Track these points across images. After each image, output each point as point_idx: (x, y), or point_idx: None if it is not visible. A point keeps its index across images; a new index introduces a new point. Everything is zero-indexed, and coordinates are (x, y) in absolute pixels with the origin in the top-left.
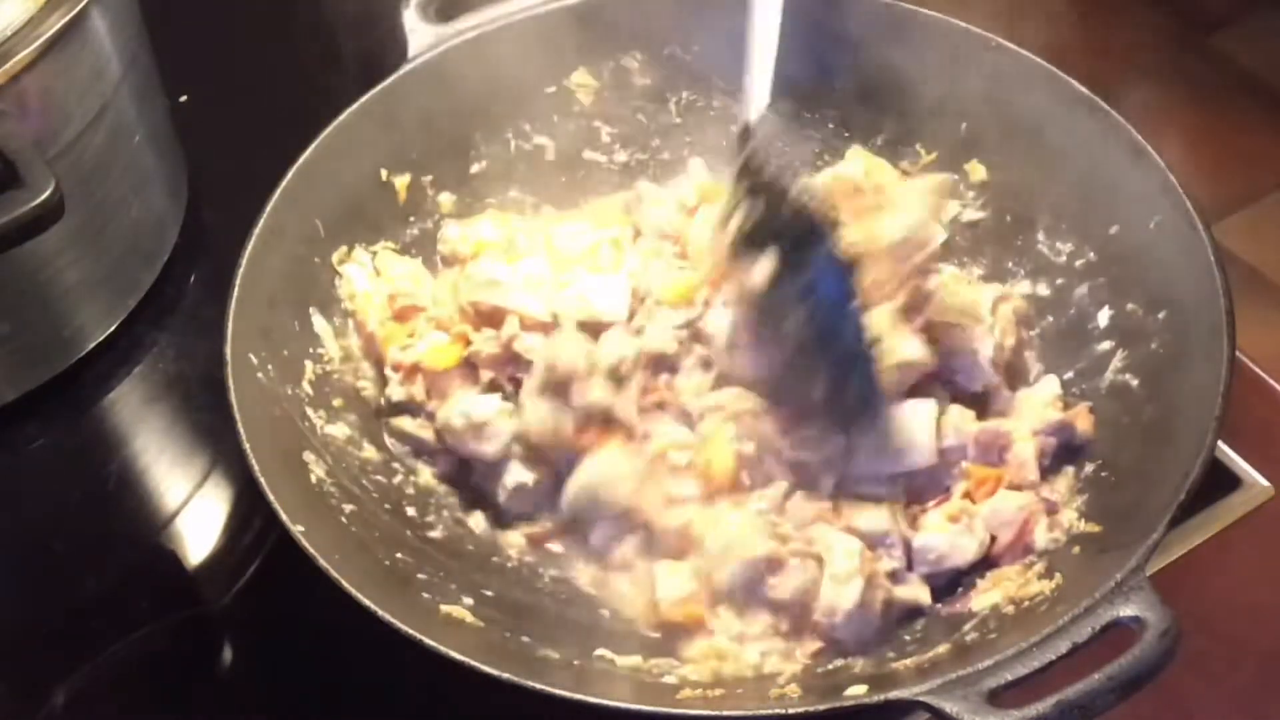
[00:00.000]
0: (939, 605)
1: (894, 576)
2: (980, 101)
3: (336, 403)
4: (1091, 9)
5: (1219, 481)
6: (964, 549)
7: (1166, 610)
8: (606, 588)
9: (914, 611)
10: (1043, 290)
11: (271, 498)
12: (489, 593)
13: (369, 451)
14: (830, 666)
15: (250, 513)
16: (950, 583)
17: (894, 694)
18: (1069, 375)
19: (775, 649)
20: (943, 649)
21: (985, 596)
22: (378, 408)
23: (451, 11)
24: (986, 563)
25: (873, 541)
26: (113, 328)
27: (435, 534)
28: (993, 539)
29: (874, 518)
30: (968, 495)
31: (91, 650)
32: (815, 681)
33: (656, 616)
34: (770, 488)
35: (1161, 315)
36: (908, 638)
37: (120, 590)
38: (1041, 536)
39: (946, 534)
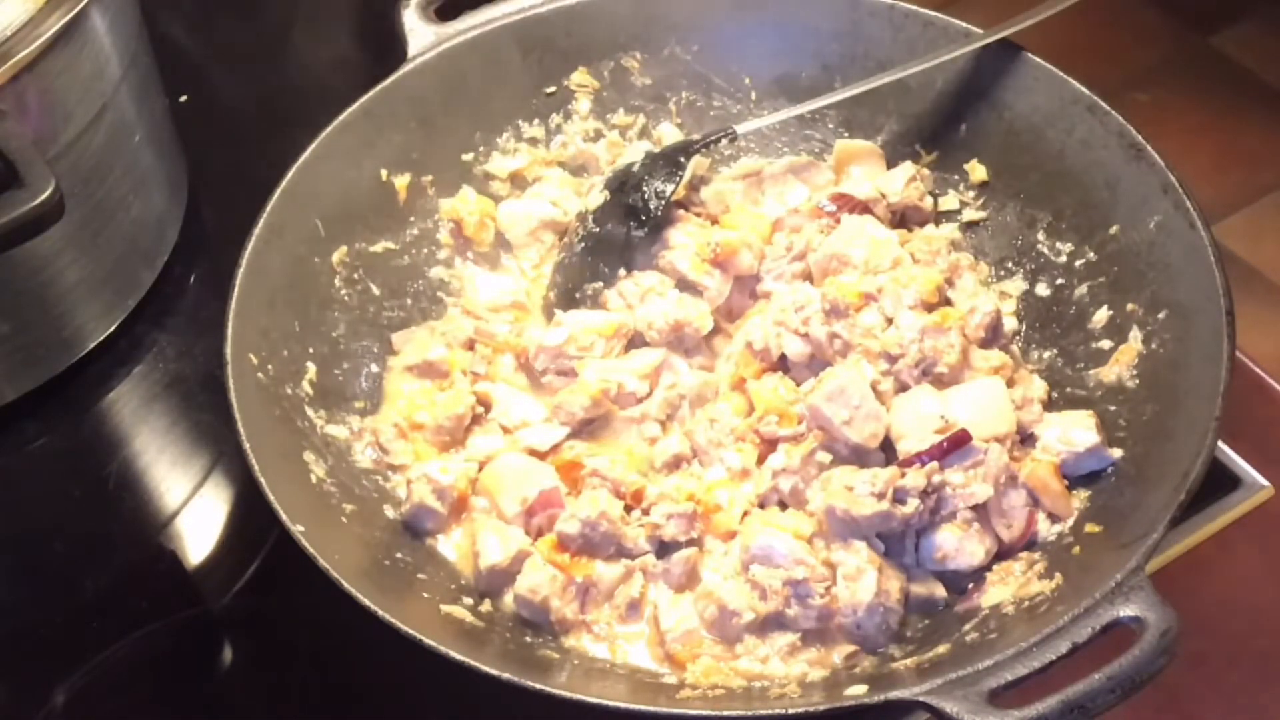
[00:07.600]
0: (954, 596)
1: (907, 572)
2: (980, 101)
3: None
4: (1091, 9)
5: (1219, 481)
6: (971, 554)
7: (1167, 610)
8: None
9: (929, 605)
10: (1043, 290)
11: (271, 498)
12: None
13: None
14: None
15: (250, 513)
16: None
17: (894, 694)
18: (1069, 374)
19: (804, 659)
20: (943, 649)
21: (995, 592)
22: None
23: (451, 11)
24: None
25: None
26: (113, 328)
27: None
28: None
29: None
30: None
31: (91, 650)
32: (815, 681)
33: (664, 650)
34: None
35: (1161, 315)
36: (909, 634)
37: (120, 590)
38: (1045, 527)
39: (956, 536)
